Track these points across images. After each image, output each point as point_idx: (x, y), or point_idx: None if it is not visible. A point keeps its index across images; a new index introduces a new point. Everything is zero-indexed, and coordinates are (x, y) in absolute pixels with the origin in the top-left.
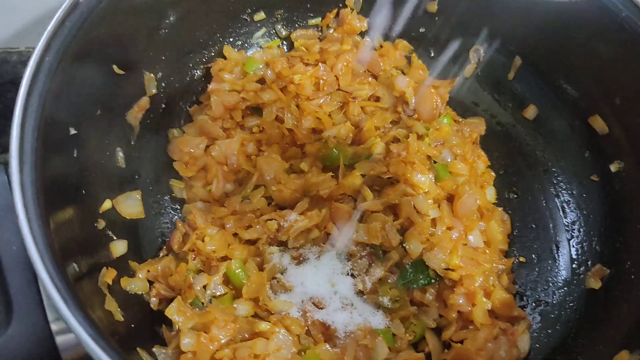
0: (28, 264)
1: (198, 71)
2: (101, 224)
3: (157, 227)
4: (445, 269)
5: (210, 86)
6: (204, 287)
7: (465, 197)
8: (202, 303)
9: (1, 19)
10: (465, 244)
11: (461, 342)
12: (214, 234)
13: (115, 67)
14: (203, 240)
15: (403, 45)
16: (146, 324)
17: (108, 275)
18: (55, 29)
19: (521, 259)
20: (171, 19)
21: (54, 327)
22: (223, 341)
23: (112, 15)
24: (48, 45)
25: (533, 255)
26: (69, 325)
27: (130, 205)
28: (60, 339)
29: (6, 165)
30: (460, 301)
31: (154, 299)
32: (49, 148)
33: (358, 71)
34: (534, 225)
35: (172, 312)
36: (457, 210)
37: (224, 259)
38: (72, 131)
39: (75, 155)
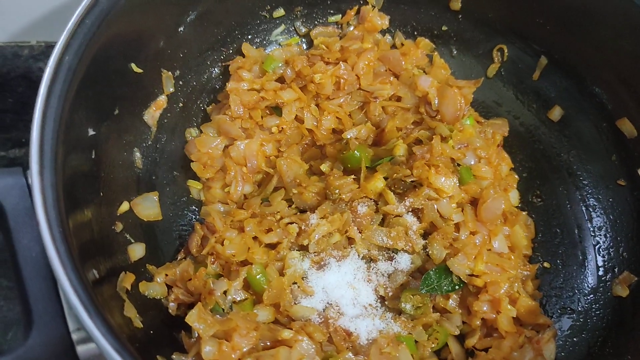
0: (48, 272)
1: (216, 69)
2: (119, 226)
3: (175, 230)
4: (470, 275)
5: (229, 85)
6: (224, 292)
7: (490, 201)
8: (223, 309)
9: (12, 14)
10: (490, 250)
11: (485, 350)
12: (233, 238)
13: (133, 65)
14: (222, 244)
15: (425, 44)
16: (164, 330)
17: (127, 280)
18: (75, 26)
19: (546, 264)
20: (191, 16)
21: (74, 337)
22: (245, 349)
23: (132, 13)
24: (68, 44)
25: (558, 261)
26: (90, 334)
27: (148, 207)
28: (81, 349)
29: (23, 166)
30: (485, 308)
31: (173, 304)
32: (68, 150)
33: (379, 70)
34: (558, 230)
35: (192, 319)
36: (481, 215)
37: (244, 263)
38: (91, 132)
39: (93, 157)
